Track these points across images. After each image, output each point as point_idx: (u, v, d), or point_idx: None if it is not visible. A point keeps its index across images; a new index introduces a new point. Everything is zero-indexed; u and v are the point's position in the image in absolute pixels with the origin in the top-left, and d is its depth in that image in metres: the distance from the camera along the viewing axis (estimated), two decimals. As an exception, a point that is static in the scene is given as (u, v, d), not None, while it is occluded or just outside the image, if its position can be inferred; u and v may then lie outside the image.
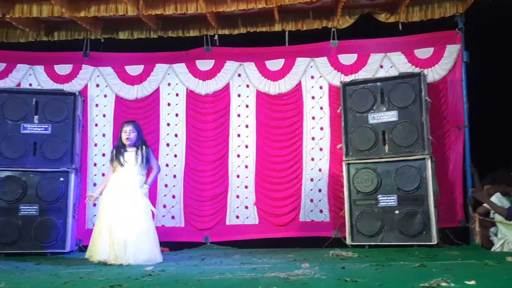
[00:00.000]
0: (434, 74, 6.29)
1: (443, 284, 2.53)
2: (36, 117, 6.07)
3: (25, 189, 5.87)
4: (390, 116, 5.88)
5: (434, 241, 5.40)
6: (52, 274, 3.77)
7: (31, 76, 6.76)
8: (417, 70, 6.14)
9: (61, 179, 5.94)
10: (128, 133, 4.96)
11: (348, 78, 6.37)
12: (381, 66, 6.46)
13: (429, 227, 5.45)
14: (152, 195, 6.53)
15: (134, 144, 4.97)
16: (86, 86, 6.77)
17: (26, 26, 6.56)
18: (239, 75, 6.78)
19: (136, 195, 4.79)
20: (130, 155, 4.93)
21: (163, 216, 6.58)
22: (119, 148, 4.97)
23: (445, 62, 6.29)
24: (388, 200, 5.72)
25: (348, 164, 5.96)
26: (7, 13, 6.05)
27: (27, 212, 5.84)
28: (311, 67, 6.64)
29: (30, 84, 6.72)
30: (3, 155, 5.91)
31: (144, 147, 4.99)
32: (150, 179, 5.02)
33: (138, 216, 4.69)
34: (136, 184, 4.86)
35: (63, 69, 6.80)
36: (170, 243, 6.26)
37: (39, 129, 6.04)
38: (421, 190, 5.57)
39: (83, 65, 6.82)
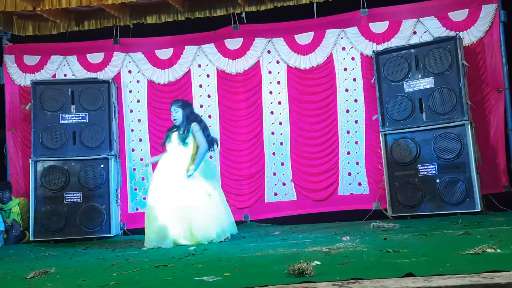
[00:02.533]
0: (470, 36, 6.04)
1: (489, 250, 2.48)
2: (73, 106, 6.19)
3: (68, 178, 6.03)
4: (426, 83, 5.73)
5: (478, 208, 5.28)
6: (100, 257, 3.89)
7: (65, 67, 6.89)
8: (452, 33, 5.92)
9: (102, 166, 6.08)
10: (172, 114, 4.91)
11: (380, 47, 6.21)
12: (414, 32, 6.25)
13: (472, 194, 5.33)
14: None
15: (182, 122, 4.86)
16: (119, 73, 6.86)
17: (56, 17, 6.66)
18: (269, 51, 6.71)
19: (178, 177, 4.63)
20: (175, 135, 4.86)
21: (202, 196, 6.65)
22: (169, 130, 4.98)
23: (481, 24, 6.02)
24: (428, 169, 5.61)
25: (385, 134, 5.87)
26: (37, 6, 6.15)
27: (71, 200, 6.02)
28: (342, 38, 6.50)
29: (65, 75, 6.85)
30: (45, 146, 6.08)
31: (188, 124, 4.80)
32: (196, 160, 4.72)
33: (181, 197, 4.55)
34: (178, 165, 4.69)
35: (95, 57, 6.90)
36: (210, 222, 6.34)
37: (77, 118, 6.18)
38: (462, 157, 5.44)
39: (114, 52, 6.90)
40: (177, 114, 4.86)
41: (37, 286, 2.62)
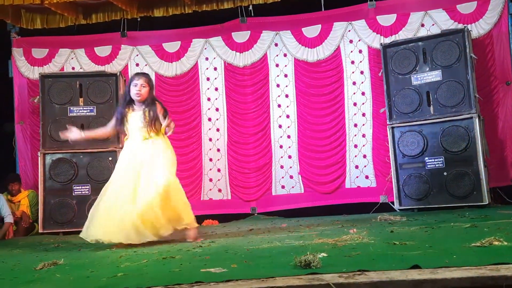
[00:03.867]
0: (478, 29, 6.01)
1: (496, 243, 2.48)
2: (81, 99, 6.23)
3: (77, 170, 6.08)
4: (434, 76, 5.71)
5: (485, 201, 5.28)
6: (107, 249, 3.92)
7: (73, 60, 6.92)
8: (460, 26, 5.89)
9: (110, 158, 6.11)
10: (138, 87, 4.06)
11: (388, 40, 6.20)
12: (422, 25, 6.23)
13: (480, 187, 5.32)
14: (198, 169, 6.68)
15: (144, 102, 4.09)
16: (126, 66, 6.89)
17: (64, 10, 6.67)
18: (276, 44, 6.70)
19: (152, 165, 3.97)
20: (136, 115, 4.07)
21: (210, 189, 6.70)
22: (125, 106, 4.12)
23: (489, 16, 5.99)
24: (435, 162, 5.61)
25: (393, 127, 5.86)
26: (45, -1, 6.18)
27: (80, 192, 6.07)
28: (349, 31, 6.49)
29: (73, 68, 6.89)
30: (53, 138, 6.12)
31: (152, 105, 4.07)
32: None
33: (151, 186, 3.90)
34: (149, 149, 4.01)
35: (103, 50, 6.93)
36: (218, 215, 6.39)
37: (85, 111, 6.22)
38: (469, 150, 5.43)
39: (122, 45, 6.92)
40: (144, 89, 4.07)
41: (46, 277, 2.64)
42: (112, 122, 4.25)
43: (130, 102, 4.14)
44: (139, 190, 3.93)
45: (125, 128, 4.14)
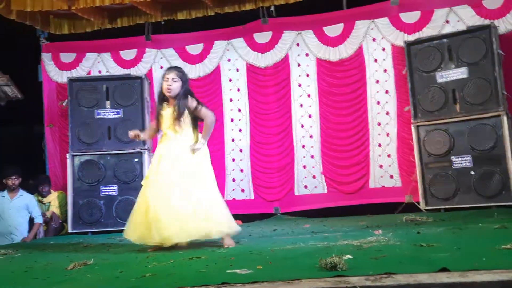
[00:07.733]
0: (506, 24, 5.88)
1: (526, 245, 2.44)
2: (107, 102, 6.32)
3: (104, 171, 6.19)
4: (460, 73, 5.62)
5: (515, 200, 5.18)
6: (135, 249, 3.98)
7: (99, 64, 7.05)
8: (486, 22, 5.78)
9: (136, 159, 6.20)
10: (169, 81, 3.84)
11: (411, 37, 6.13)
12: (447, 22, 6.13)
13: (508, 187, 5.22)
14: (221, 170, 6.70)
15: (176, 96, 3.85)
16: (151, 69, 6.98)
17: (90, 15, 6.79)
18: (298, 44, 6.69)
19: (179, 162, 3.83)
20: (169, 111, 3.88)
21: (233, 189, 6.73)
22: (158, 103, 3.95)
23: (517, 11, 5.88)
24: (462, 161, 5.53)
25: (418, 126, 5.80)
26: (72, 4, 6.29)
27: (107, 193, 6.17)
28: (372, 29, 6.43)
29: (100, 71, 7.01)
30: (81, 141, 6.24)
31: (183, 99, 3.83)
32: (204, 132, 3.91)
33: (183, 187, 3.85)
34: (178, 147, 3.84)
35: (128, 54, 7.03)
36: (241, 215, 6.38)
37: (112, 113, 6.31)
38: (497, 148, 5.33)
39: (147, 48, 7.01)
40: (175, 84, 3.84)
41: (77, 277, 2.71)
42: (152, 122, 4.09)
43: (164, 98, 3.93)
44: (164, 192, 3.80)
45: (161, 125, 3.94)
